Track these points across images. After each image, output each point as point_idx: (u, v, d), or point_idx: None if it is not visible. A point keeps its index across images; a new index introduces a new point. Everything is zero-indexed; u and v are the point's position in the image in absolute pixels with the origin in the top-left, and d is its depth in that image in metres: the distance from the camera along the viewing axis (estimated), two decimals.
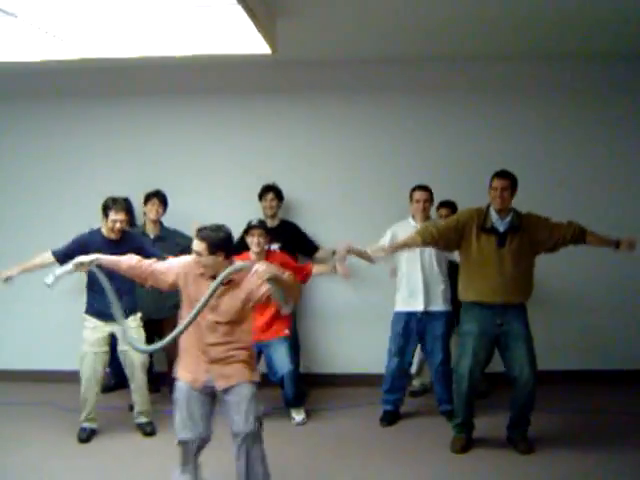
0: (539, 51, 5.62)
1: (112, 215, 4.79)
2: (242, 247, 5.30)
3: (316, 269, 5.40)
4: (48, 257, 4.83)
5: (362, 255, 5.04)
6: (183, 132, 6.18)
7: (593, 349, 6.02)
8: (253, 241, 5.07)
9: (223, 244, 3.53)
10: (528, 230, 4.45)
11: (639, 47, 5.44)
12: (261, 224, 5.16)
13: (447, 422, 4.96)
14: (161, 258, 4.86)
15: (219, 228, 3.56)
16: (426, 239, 4.51)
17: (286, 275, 3.56)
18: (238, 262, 3.60)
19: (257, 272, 3.47)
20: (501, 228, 4.46)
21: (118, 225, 4.81)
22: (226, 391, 3.62)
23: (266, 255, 5.15)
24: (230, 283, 3.55)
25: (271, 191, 5.77)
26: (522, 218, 4.48)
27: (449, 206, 5.49)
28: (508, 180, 4.47)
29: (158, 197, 5.62)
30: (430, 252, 5.00)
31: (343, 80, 6.04)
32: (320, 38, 5.26)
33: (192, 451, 3.65)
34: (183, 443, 3.64)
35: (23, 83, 6.04)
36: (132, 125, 6.20)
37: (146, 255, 4.93)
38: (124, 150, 6.18)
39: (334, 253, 5.55)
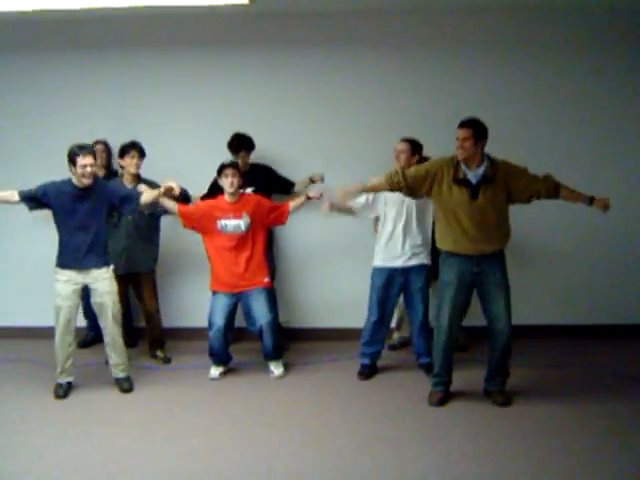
0: (538, 3, 5.53)
1: (80, 160, 4.61)
2: (216, 191, 5.34)
3: (292, 205, 5.29)
4: (12, 195, 4.73)
5: (344, 209, 5.16)
6: (159, 85, 6.03)
7: (576, 303, 6.02)
8: (227, 181, 5.08)
9: None
10: (503, 179, 4.33)
11: None
12: (233, 163, 5.18)
13: (425, 375, 5.00)
14: (137, 195, 4.95)
15: None
16: (392, 184, 4.47)
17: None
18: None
19: None
20: (473, 180, 4.34)
21: (89, 169, 4.64)
22: None
23: (240, 198, 5.15)
24: None
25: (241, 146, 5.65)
26: (497, 167, 4.36)
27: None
28: (469, 129, 4.30)
29: (136, 149, 5.40)
30: (411, 206, 4.95)
31: (321, 32, 5.89)
32: None
33: None
34: None
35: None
36: (108, 77, 6.04)
37: (123, 195, 4.91)
38: (98, 102, 6.04)
39: (312, 181, 5.69)
